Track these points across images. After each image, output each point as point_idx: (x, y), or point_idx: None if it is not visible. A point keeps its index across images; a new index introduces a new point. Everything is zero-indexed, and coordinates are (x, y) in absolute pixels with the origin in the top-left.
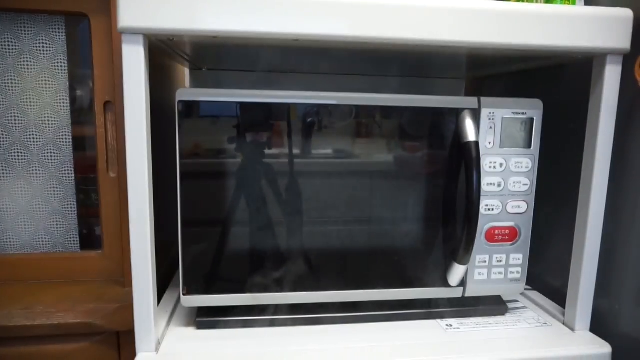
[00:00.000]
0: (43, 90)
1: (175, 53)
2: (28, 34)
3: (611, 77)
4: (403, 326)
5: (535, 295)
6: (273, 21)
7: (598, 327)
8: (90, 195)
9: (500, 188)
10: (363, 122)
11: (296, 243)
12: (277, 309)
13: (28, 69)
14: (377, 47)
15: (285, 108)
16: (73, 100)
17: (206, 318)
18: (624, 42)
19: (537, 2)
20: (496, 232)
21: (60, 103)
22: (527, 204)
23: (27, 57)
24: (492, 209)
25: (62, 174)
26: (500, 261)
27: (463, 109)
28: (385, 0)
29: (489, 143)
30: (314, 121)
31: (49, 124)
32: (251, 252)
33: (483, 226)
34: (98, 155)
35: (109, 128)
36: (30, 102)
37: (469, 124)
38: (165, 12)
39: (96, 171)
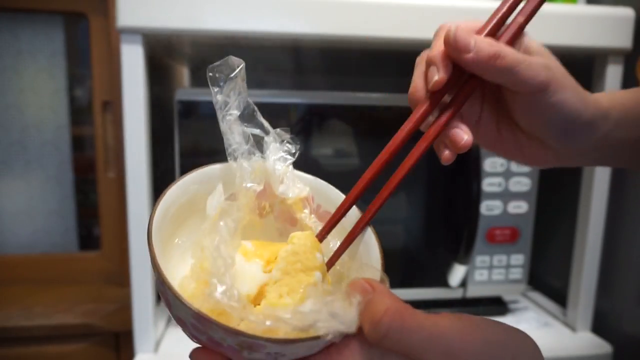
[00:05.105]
0: (41, 90)
1: (174, 53)
2: (26, 34)
3: (612, 77)
4: None
5: (536, 295)
6: (273, 21)
7: (599, 327)
8: (89, 195)
9: (501, 188)
10: (362, 121)
11: None
12: None
13: (26, 68)
14: (379, 46)
15: (285, 108)
16: (72, 100)
17: None
18: (625, 41)
19: None
20: (497, 232)
21: (58, 103)
22: (528, 204)
23: (25, 57)
24: (493, 209)
25: (61, 174)
26: (501, 261)
27: None
28: (386, 1)
29: None
30: (313, 121)
31: (47, 124)
32: None
33: (484, 227)
34: (97, 155)
35: (108, 128)
36: (29, 102)
37: None
38: (164, 11)
39: (95, 171)
